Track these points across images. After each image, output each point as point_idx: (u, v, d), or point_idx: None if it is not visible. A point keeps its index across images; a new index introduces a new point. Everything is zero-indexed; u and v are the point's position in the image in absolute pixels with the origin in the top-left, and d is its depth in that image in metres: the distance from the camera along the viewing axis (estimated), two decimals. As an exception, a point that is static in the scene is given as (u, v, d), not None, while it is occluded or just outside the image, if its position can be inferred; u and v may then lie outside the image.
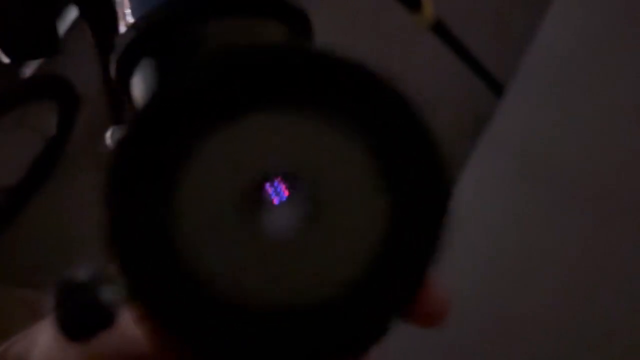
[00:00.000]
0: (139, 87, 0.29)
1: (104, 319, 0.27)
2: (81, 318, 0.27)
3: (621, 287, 1.05)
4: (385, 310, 0.25)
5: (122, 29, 0.30)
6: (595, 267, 1.07)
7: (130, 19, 0.30)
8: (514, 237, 1.13)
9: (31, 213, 1.28)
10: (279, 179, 0.24)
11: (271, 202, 0.24)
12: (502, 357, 1.06)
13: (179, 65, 0.28)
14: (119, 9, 0.31)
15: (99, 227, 0.24)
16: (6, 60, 0.80)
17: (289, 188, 0.24)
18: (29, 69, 1.26)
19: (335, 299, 0.24)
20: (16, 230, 1.28)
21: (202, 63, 0.24)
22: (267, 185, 0.24)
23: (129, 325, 0.27)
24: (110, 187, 0.24)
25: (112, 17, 0.31)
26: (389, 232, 0.24)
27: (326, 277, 0.24)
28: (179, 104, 0.24)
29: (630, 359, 1.01)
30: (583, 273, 1.07)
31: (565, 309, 1.06)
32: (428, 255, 0.24)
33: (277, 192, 0.24)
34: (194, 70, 0.24)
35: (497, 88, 1.23)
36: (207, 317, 0.24)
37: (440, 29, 1.14)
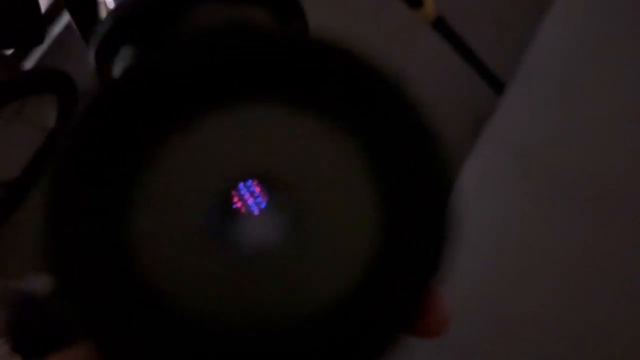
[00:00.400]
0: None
1: (62, 334, 0.23)
2: (37, 334, 0.23)
3: (621, 287, 1.05)
4: (385, 328, 0.22)
5: (103, 15, 0.30)
6: (595, 267, 1.07)
7: (111, 6, 0.29)
8: (514, 237, 1.13)
9: (30, 206, 1.28)
10: (256, 182, 0.21)
11: (249, 210, 0.21)
12: (502, 357, 1.06)
13: (154, 53, 0.26)
14: (99, -4, 0.31)
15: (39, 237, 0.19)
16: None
17: (268, 193, 0.21)
18: (29, 61, 1.26)
19: (327, 318, 0.21)
20: (15, 223, 1.28)
21: (177, 45, 0.21)
22: (244, 190, 0.21)
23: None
24: (53, 187, 0.20)
25: (93, 4, 0.31)
26: (385, 241, 0.22)
27: (317, 294, 0.21)
28: (142, 94, 0.20)
29: (630, 359, 1.00)
30: (583, 273, 1.07)
31: (565, 309, 1.05)
32: (431, 264, 0.22)
33: (255, 198, 0.21)
34: (165, 54, 0.20)
35: (498, 86, 1.23)
36: (172, 348, 0.20)
37: (441, 26, 1.13)
